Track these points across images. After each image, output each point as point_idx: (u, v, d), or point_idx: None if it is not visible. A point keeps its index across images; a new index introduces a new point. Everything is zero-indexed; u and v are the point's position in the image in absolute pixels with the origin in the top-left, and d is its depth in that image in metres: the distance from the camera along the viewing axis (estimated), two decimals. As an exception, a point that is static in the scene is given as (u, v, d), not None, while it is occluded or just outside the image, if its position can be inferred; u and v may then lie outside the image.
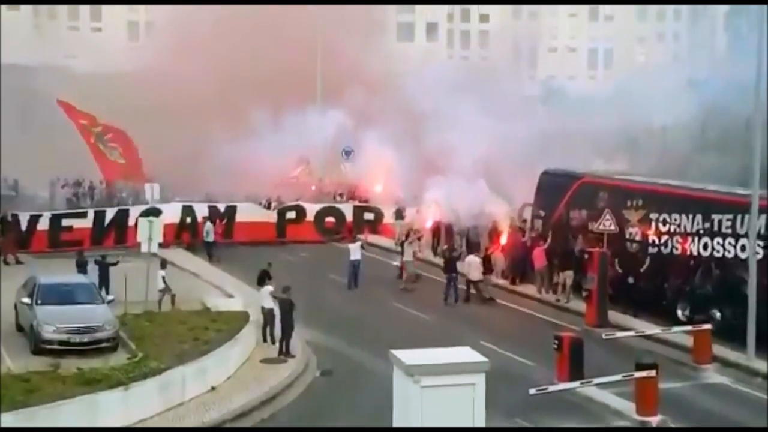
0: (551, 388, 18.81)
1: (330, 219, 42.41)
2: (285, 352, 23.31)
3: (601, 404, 20.32)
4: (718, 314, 25.92)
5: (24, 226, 37.25)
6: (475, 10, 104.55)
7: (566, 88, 73.64)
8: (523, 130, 38.43)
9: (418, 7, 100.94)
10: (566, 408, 19.71)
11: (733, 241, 25.89)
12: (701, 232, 26.83)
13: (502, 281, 32.99)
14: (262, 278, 25.84)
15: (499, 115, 39.16)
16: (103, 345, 22.06)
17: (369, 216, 42.63)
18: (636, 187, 30.14)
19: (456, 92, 41.59)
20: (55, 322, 22.13)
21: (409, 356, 13.24)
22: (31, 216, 37.93)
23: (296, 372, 22.40)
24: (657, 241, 28.30)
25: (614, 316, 27.54)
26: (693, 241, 26.98)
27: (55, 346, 21.82)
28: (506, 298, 31.36)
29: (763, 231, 24.76)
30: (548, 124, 41.29)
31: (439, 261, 34.14)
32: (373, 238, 40.18)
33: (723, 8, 72.76)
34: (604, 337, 23.56)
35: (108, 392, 18.32)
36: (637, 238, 28.68)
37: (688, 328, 24.19)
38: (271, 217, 41.81)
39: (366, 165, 44.46)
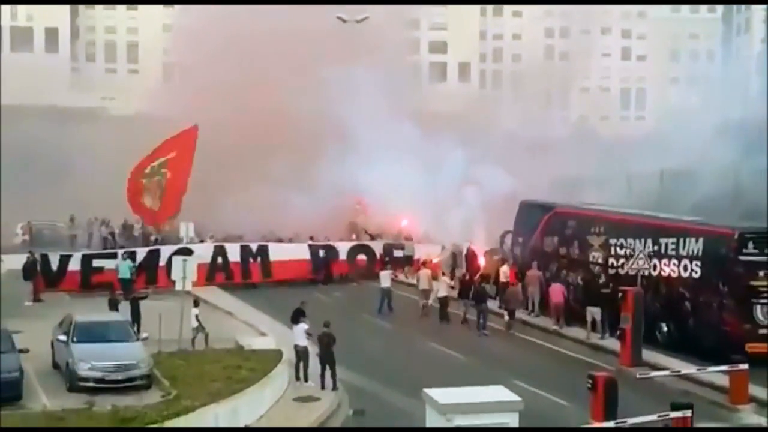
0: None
1: (362, 257, 42.73)
2: (333, 386, 23.64)
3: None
4: (665, 328, 28.86)
5: (55, 266, 37.36)
6: (507, 49, 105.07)
7: (598, 129, 73.56)
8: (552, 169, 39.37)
9: (451, 48, 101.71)
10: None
11: (676, 262, 28.58)
12: (651, 254, 29.22)
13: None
14: (297, 316, 25.93)
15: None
16: (138, 383, 22.22)
17: (399, 253, 43.10)
18: (598, 216, 33.12)
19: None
20: (90, 359, 22.31)
21: (442, 395, 13.23)
22: (62, 256, 38.13)
23: (329, 411, 22.37)
24: (615, 263, 30.79)
25: (648, 355, 27.30)
26: (645, 262, 28.98)
27: (91, 384, 22.00)
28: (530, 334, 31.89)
29: (700, 253, 27.68)
30: (578, 165, 41.81)
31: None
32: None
33: (757, 48, 72.35)
34: (638, 376, 23.30)
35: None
36: (600, 260, 31.31)
37: (725, 368, 23.87)
38: (304, 254, 41.96)
39: (392, 203, 44.87)
